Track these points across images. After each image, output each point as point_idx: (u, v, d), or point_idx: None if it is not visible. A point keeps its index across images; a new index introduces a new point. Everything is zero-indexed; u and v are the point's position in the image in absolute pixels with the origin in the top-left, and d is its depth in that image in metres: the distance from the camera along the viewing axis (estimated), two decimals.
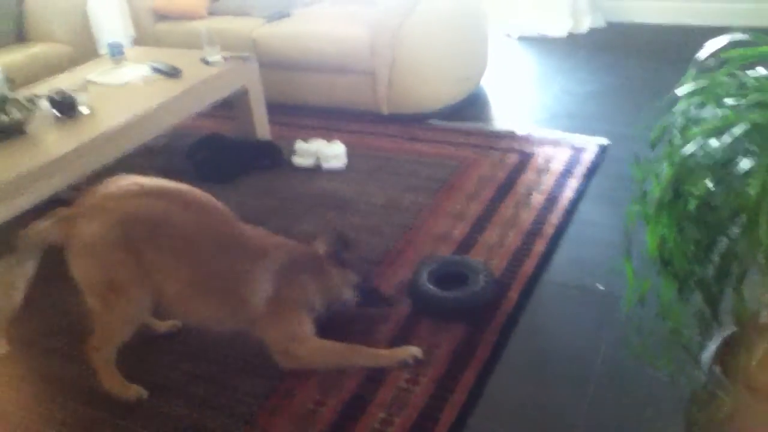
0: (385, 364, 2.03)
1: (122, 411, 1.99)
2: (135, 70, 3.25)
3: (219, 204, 2.06)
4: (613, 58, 4.50)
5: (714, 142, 1.26)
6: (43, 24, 4.09)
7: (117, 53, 3.39)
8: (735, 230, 1.20)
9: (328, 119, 3.83)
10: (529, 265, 2.43)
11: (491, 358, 2.04)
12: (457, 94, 3.84)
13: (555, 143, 3.31)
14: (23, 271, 1.94)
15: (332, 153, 3.28)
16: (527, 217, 2.72)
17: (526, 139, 3.39)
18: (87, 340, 2.01)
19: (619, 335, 2.07)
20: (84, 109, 2.80)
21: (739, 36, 1.37)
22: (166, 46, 4.06)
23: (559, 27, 5.00)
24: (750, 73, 1.37)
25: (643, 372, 1.73)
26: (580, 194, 2.86)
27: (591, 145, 3.25)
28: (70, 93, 2.76)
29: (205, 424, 1.91)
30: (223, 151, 3.36)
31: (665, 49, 4.49)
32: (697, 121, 1.39)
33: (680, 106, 1.39)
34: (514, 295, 2.29)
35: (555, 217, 2.70)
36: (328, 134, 3.54)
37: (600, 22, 5.07)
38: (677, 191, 1.31)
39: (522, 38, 5.06)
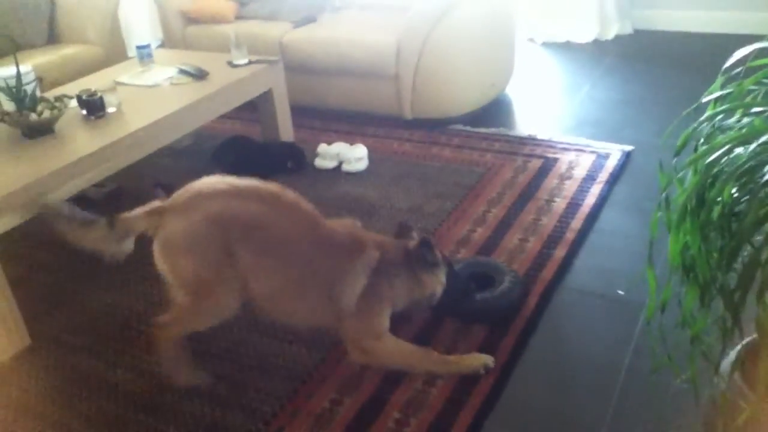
0: (456, 371, 2.00)
1: (144, 408, 2.02)
2: (163, 72, 3.29)
3: (307, 203, 2.06)
4: (639, 66, 4.47)
5: (740, 150, 1.25)
6: (75, 26, 4.18)
7: (146, 56, 3.44)
8: (759, 238, 1.19)
9: (352, 123, 3.85)
10: (549, 271, 2.42)
11: (509, 363, 2.04)
12: (482, 99, 3.84)
13: (579, 149, 3.30)
14: (118, 246, 2.01)
15: (354, 156, 3.30)
16: (549, 223, 2.71)
17: (549, 145, 3.38)
18: (156, 319, 2.03)
19: (641, 344, 2.06)
20: (112, 110, 2.85)
21: (767, 44, 1.36)
22: (194, 49, 4.11)
23: (585, 33, 4.98)
24: None
25: (666, 381, 1.71)
26: (602, 200, 2.84)
27: (615, 151, 3.23)
28: (99, 93, 2.81)
29: (225, 424, 1.93)
30: (249, 153, 3.39)
31: (692, 58, 4.45)
32: (723, 129, 1.38)
33: (707, 114, 1.38)
34: (533, 300, 2.28)
35: (577, 223, 2.68)
36: (352, 138, 3.56)
37: (627, 29, 5.04)
38: (701, 198, 1.30)
39: (546, 44, 5.04)
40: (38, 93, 2.73)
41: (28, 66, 2.83)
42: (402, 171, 3.28)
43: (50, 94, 2.86)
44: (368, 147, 3.39)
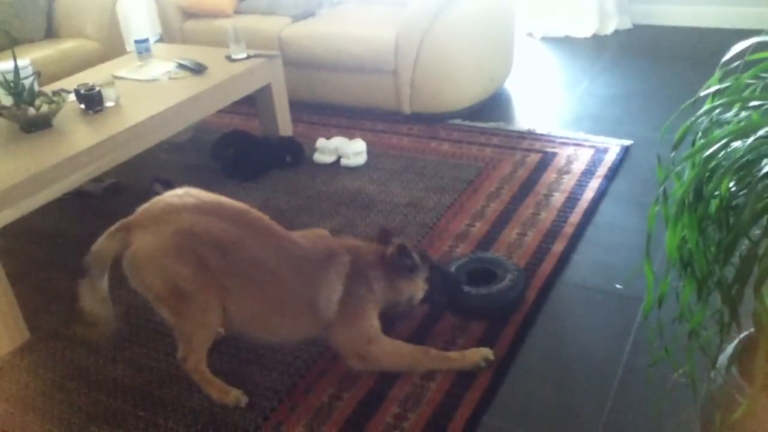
0: (457, 367, 2.00)
1: (144, 403, 2.02)
2: (161, 67, 3.29)
3: (269, 220, 2.03)
4: (638, 61, 4.47)
5: (738, 144, 1.25)
6: (73, 21, 4.17)
7: (144, 50, 3.44)
8: (756, 232, 1.19)
9: (351, 118, 3.85)
10: (547, 265, 2.42)
11: (508, 357, 2.04)
12: (481, 94, 3.84)
13: (577, 144, 3.30)
14: (101, 288, 1.95)
15: (353, 150, 3.30)
16: (547, 217, 2.71)
17: (548, 140, 3.38)
18: (177, 358, 2.00)
19: (639, 338, 2.07)
20: (110, 104, 2.85)
21: (765, 38, 1.36)
22: (192, 44, 4.12)
23: (585, 28, 4.97)
24: None
25: (663, 375, 1.72)
26: (601, 195, 2.84)
27: (614, 146, 3.23)
28: (97, 88, 2.81)
29: (225, 419, 1.93)
30: (247, 147, 3.39)
31: (691, 52, 4.45)
32: (721, 123, 1.38)
33: (704, 108, 1.38)
34: (531, 295, 2.28)
35: (575, 218, 2.69)
36: (350, 133, 3.56)
37: (626, 24, 5.03)
38: (699, 192, 1.30)
39: (545, 38, 5.03)
40: (36, 87, 2.73)
41: (26, 60, 2.83)
42: (401, 165, 3.28)
43: (48, 89, 2.87)
44: (367, 141, 3.39)
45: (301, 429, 1.87)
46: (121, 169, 2.78)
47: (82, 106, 2.81)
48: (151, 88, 3.11)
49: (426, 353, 2.02)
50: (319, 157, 3.38)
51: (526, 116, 3.80)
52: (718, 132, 1.29)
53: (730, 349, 1.40)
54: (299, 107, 3.79)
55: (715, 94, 1.39)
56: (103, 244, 1.92)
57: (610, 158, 3.12)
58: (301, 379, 2.04)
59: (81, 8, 4.17)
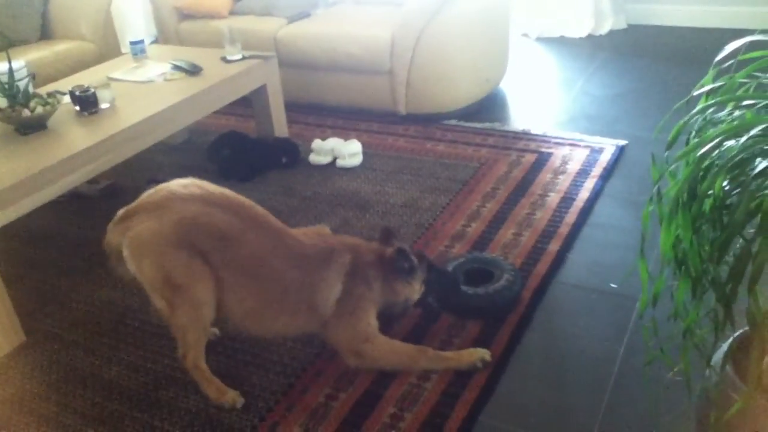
0: (454, 367, 2.00)
1: (140, 404, 2.02)
2: (156, 68, 3.29)
3: (272, 216, 2.02)
4: (633, 60, 4.48)
5: (731, 143, 1.26)
6: (68, 22, 4.16)
7: (139, 51, 3.43)
8: (750, 230, 1.19)
9: (346, 119, 3.85)
10: (543, 265, 2.43)
11: (504, 357, 2.04)
12: (476, 94, 3.84)
13: (573, 144, 3.31)
14: (121, 276, 1.97)
15: (348, 151, 3.30)
16: (543, 217, 2.72)
17: (543, 140, 3.39)
18: (177, 357, 2.00)
19: (634, 337, 2.07)
20: (105, 105, 2.84)
21: (759, 38, 1.37)
22: (188, 45, 4.12)
23: (580, 28, 4.99)
24: None
25: (659, 374, 1.72)
26: (596, 195, 2.85)
27: (609, 145, 3.24)
28: (92, 89, 2.80)
29: (221, 420, 1.93)
30: (243, 148, 3.39)
31: (686, 52, 4.46)
32: (715, 122, 1.39)
33: (698, 108, 1.39)
34: (527, 294, 2.29)
35: (570, 218, 2.69)
36: (346, 133, 3.57)
37: (621, 24, 5.05)
38: (693, 191, 1.31)
39: (540, 38, 5.04)
40: (31, 89, 2.72)
41: (21, 62, 2.82)
42: (396, 166, 3.28)
43: (43, 90, 2.86)
44: (363, 142, 3.39)
45: (297, 429, 1.87)
46: (117, 170, 2.78)
47: (77, 107, 2.80)
48: (146, 89, 3.11)
49: (423, 353, 2.02)
50: (315, 158, 3.38)
51: (521, 116, 3.81)
52: (711, 131, 1.29)
53: (724, 347, 1.40)
54: (295, 108, 3.79)
55: (709, 94, 1.40)
56: (109, 234, 1.92)
57: (605, 158, 3.13)
58: (298, 379, 2.04)
59: (76, 9, 4.16)
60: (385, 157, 3.38)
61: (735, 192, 1.27)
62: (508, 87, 4.17)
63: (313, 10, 4.18)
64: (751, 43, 1.36)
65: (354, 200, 3.02)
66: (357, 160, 3.32)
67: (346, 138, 3.43)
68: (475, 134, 3.53)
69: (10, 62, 2.61)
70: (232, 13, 4.28)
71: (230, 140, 3.45)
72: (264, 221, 1.99)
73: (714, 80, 1.41)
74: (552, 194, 2.88)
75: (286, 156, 3.38)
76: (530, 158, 3.22)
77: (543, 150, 3.28)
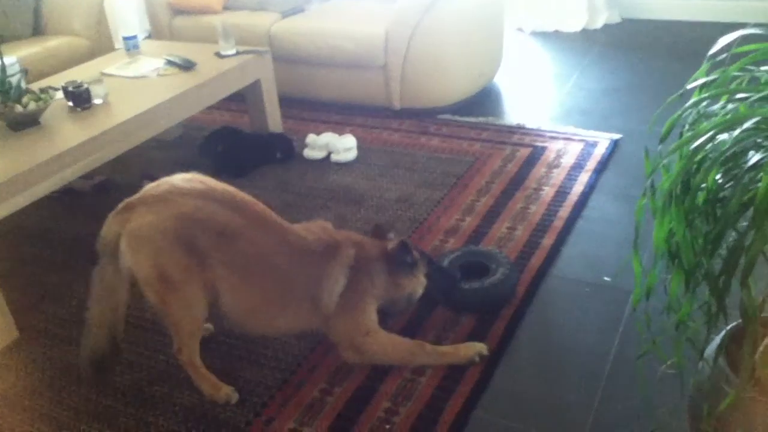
0: (452, 362, 1.99)
1: (134, 400, 2.02)
2: (150, 64, 3.27)
3: (273, 212, 2.01)
4: (627, 55, 4.48)
5: (724, 136, 1.26)
6: (60, 17, 4.14)
7: (133, 47, 3.42)
8: (743, 223, 1.19)
9: (341, 114, 3.84)
10: (537, 259, 2.43)
11: (498, 351, 2.05)
12: (471, 89, 3.84)
13: (567, 138, 3.31)
14: (115, 273, 1.90)
15: (343, 146, 3.30)
16: (537, 211, 2.72)
17: (538, 134, 3.39)
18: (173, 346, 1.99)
19: (628, 330, 2.08)
20: (98, 101, 2.83)
21: (753, 31, 1.37)
22: (182, 40, 4.09)
23: (574, 22, 4.98)
24: (763, 68, 1.36)
25: (652, 367, 1.73)
26: (590, 189, 2.85)
27: (603, 139, 3.24)
28: (85, 85, 2.79)
29: (216, 415, 1.93)
30: (237, 144, 3.38)
31: (680, 46, 4.46)
32: (708, 116, 1.39)
33: (691, 101, 1.39)
34: (522, 288, 2.29)
35: (565, 212, 2.69)
36: (341, 128, 3.56)
37: (615, 18, 5.05)
38: (686, 185, 1.31)
39: (535, 33, 5.04)
40: (24, 85, 2.71)
41: (13, 58, 2.81)
42: (391, 161, 3.28)
43: (36, 86, 2.84)
44: (357, 137, 3.39)
45: (292, 425, 1.87)
46: (110, 166, 2.77)
47: (70, 103, 2.79)
48: (139, 85, 3.10)
49: (421, 347, 2.02)
50: (310, 153, 3.38)
51: (515, 111, 3.81)
52: (704, 124, 1.29)
53: (717, 340, 1.40)
54: (289, 103, 3.78)
55: (702, 87, 1.40)
56: (107, 227, 1.90)
57: (599, 152, 3.13)
58: (292, 374, 2.04)
59: (69, 5, 4.13)
60: (380, 151, 3.38)
61: (728, 185, 1.27)
62: (502, 81, 4.17)
63: (307, 5, 4.17)
64: (744, 36, 1.36)
65: (349, 195, 3.01)
66: (352, 154, 3.31)
67: (340, 133, 3.43)
68: (470, 129, 3.53)
69: (2, 58, 2.60)
70: (225, 8, 4.26)
71: (224, 135, 3.44)
72: (265, 218, 1.98)
73: (707, 74, 1.41)
74: (546, 188, 2.88)
75: (281, 151, 3.37)
76: (524, 152, 3.22)
77: (537, 144, 3.28)
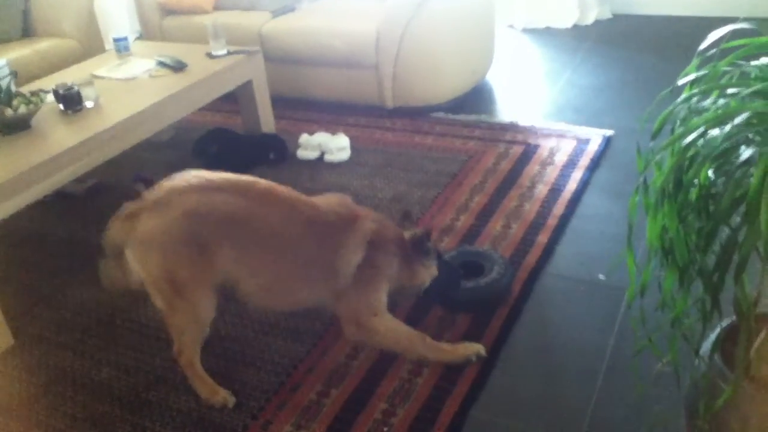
0: (449, 359, 2.00)
1: (130, 405, 2.01)
2: (141, 65, 3.26)
3: (283, 187, 2.01)
4: (619, 51, 4.48)
5: (715, 132, 1.26)
6: (50, 19, 4.11)
7: (123, 48, 3.40)
8: (736, 219, 1.20)
9: (334, 113, 3.84)
10: (532, 257, 2.43)
11: (494, 349, 2.04)
12: (463, 87, 3.84)
13: (560, 135, 3.31)
14: (121, 267, 1.93)
15: (336, 146, 3.29)
16: (531, 209, 2.72)
17: (531, 131, 3.39)
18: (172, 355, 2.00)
19: (624, 327, 2.08)
20: (89, 104, 2.82)
21: (742, 26, 1.37)
22: (172, 41, 4.08)
23: (565, 19, 4.99)
24: (753, 63, 1.36)
25: (648, 364, 1.73)
26: (584, 186, 2.85)
27: (596, 136, 3.24)
28: (76, 87, 2.78)
29: (212, 419, 1.92)
30: (230, 145, 3.37)
31: (671, 41, 4.47)
32: (699, 111, 1.38)
33: (682, 97, 1.39)
34: (517, 287, 2.29)
35: (558, 209, 2.70)
36: (334, 128, 3.55)
37: (606, 14, 5.06)
38: (679, 181, 1.31)
39: (526, 29, 5.04)
40: (13, 88, 2.69)
41: (3, 60, 2.80)
42: (385, 160, 3.27)
43: (26, 89, 2.83)
44: (350, 137, 3.38)
45: (289, 428, 1.86)
46: (103, 169, 2.75)
47: (61, 106, 2.78)
48: (131, 86, 3.08)
49: (422, 339, 2.02)
50: (303, 153, 3.37)
51: (508, 108, 3.81)
52: (696, 120, 1.29)
53: (712, 336, 1.41)
54: (281, 103, 3.77)
55: (693, 83, 1.40)
56: (112, 230, 1.91)
57: (592, 149, 3.14)
58: (289, 377, 2.04)
59: (58, 6, 4.11)
60: (373, 151, 3.38)
61: (720, 181, 1.27)
62: (494, 79, 4.16)
63: (298, 5, 4.15)
64: (734, 31, 1.36)
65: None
66: (345, 154, 3.31)
67: (333, 132, 3.42)
68: (463, 127, 3.53)
69: None
70: (216, 8, 4.25)
71: (217, 137, 3.43)
72: (270, 193, 1.98)
73: (698, 69, 1.40)
74: (540, 186, 2.88)
75: (274, 151, 3.36)
76: (518, 150, 3.22)
77: (530, 141, 3.28)
